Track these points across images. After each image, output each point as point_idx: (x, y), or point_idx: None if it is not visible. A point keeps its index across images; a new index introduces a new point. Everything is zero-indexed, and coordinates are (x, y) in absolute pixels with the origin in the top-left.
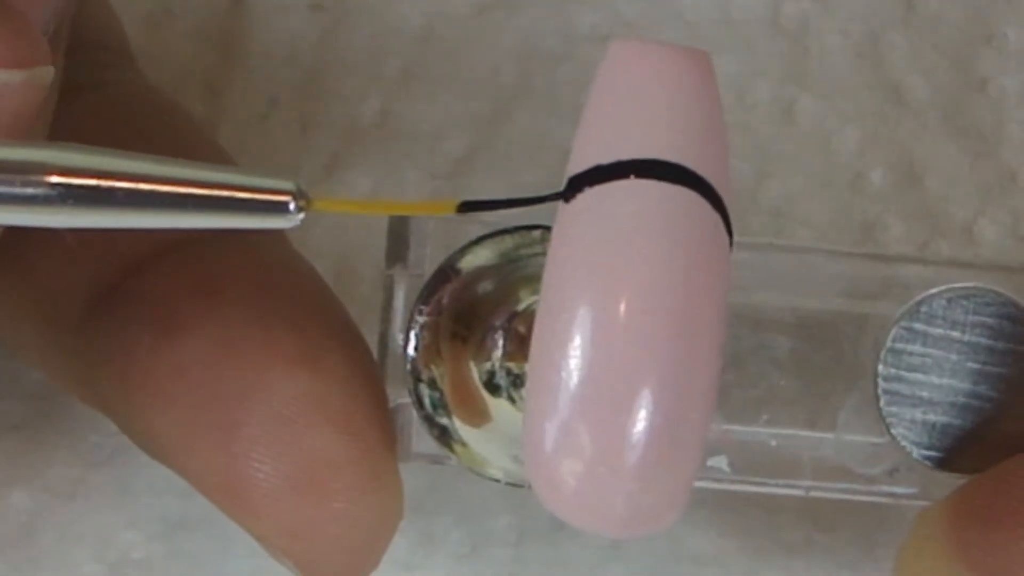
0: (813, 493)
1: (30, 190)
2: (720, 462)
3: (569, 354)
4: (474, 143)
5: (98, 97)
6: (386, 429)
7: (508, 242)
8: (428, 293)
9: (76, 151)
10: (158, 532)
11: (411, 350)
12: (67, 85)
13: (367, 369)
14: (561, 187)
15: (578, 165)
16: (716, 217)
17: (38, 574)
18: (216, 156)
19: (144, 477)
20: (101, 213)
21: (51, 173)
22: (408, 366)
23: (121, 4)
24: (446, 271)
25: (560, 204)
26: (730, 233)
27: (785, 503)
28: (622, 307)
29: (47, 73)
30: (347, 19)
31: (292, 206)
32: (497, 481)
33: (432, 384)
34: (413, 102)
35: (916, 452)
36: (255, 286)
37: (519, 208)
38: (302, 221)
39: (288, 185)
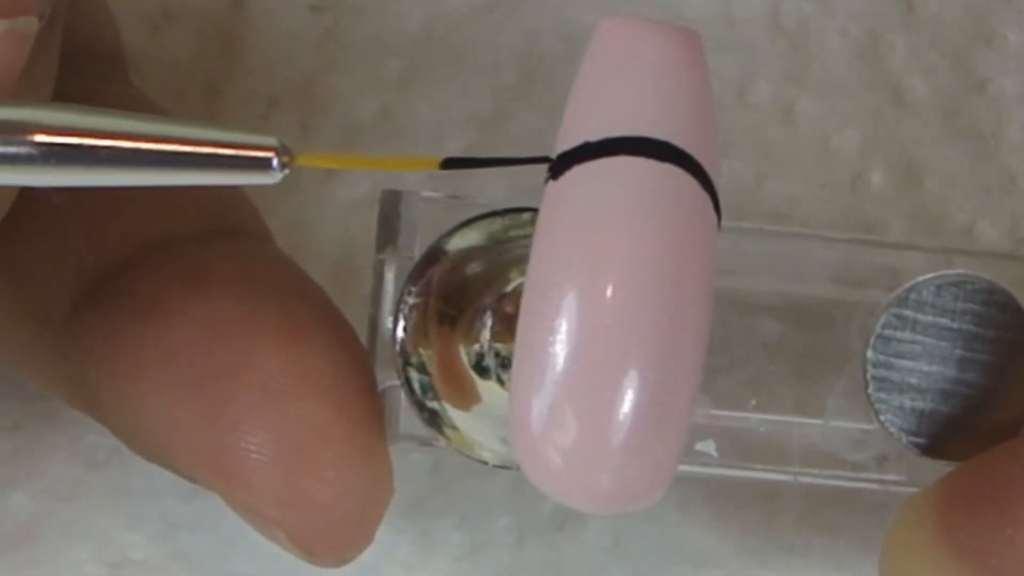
0: (801, 479)
1: (13, 149)
2: (708, 447)
3: (556, 331)
4: (474, 143)
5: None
6: (374, 403)
7: (498, 224)
8: (417, 274)
9: (60, 109)
10: (158, 532)
11: (400, 331)
12: (59, 93)
13: (353, 346)
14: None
15: (566, 142)
16: (704, 195)
17: (38, 574)
18: None
19: (144, 478)
20: (85, 171)
21: (35, 132)
22: (397, 348)
23: (121, 5)
24: (435, 253)
25: (548, 181)
26: (718, 212)
27: (785, 504)
28: (609, 285)
29: (30, 24)
30: (347, 19)
31: (275, 162)
32: (485, 463)
33: (421, 368)
34: (413, 102)
35: (904, 439)
36: (239, 275)
37: (503, 167)
38: (285, 177)
39: (271, 141)
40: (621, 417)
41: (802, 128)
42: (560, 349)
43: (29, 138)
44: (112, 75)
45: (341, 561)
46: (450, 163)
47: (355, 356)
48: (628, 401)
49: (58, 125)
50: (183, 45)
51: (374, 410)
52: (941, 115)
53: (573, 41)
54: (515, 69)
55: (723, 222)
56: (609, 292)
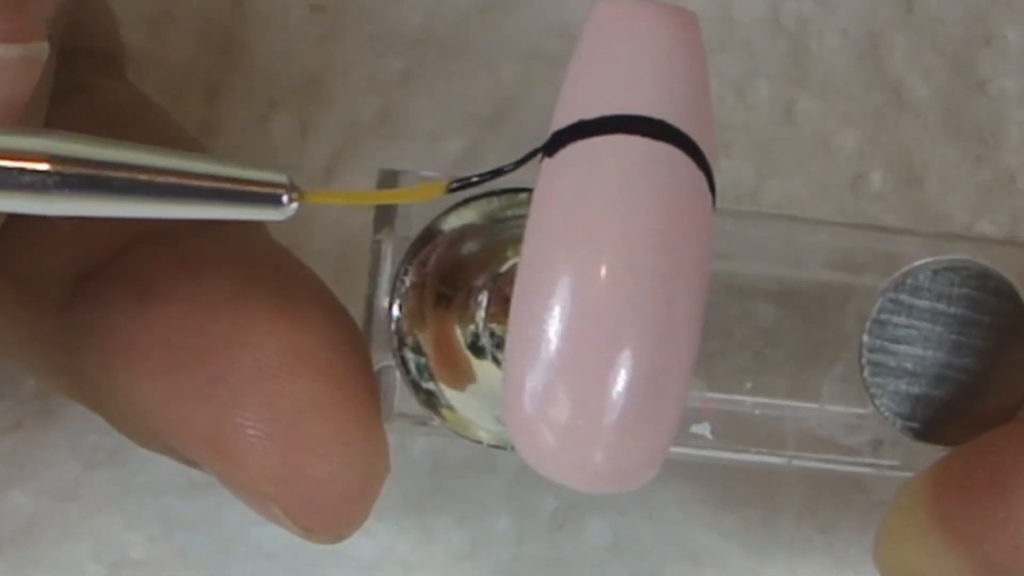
0: (795, 463)
1: (27, 178)
2: (703, 430)
3: (550, 310)
4: (474, 143)
5: (85, 100)
6: (369, 381)
7: (494, 204)
8: (413, 255)
9: (73, 140)
10: (158, 532)
11: (396, 312)
12: (56, 88)
13: (348, 326)
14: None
15: (562, 120)
16: (699, 174)
17: (38, 574)
18: None
19: (144, 477)
20: (96, 202)
21: (47, 161)
22: (393, 328)
23: (122, 6)
24: (432, 233)
25: (543, 159)
26: (713, 191)
27: (785, 504)
28: (603, 264)
29: (43, 49)
30: (347, 20)
31: (285, 198)
32: (480, 443)
33: (417, 349)
34: (413, 102)
35: (899, 423)
36: (233, 259)
37: (508, 175)
38: (295, 212)
39: (281, 178)
40: (615, 396)
41: (802, 128)
42: (554, 327)
43: (42, 167)
44: (110, 72)
45: (338, 538)
46: (458, 185)
47: (350, 335)
48: (622, 380)
49: (71, 156)
50: (183, 45)
51: (370, 388)
52: (941, 115)
53: (573, 41)
54: (515, 69)
55: (721, 207)
56: (603, 271)
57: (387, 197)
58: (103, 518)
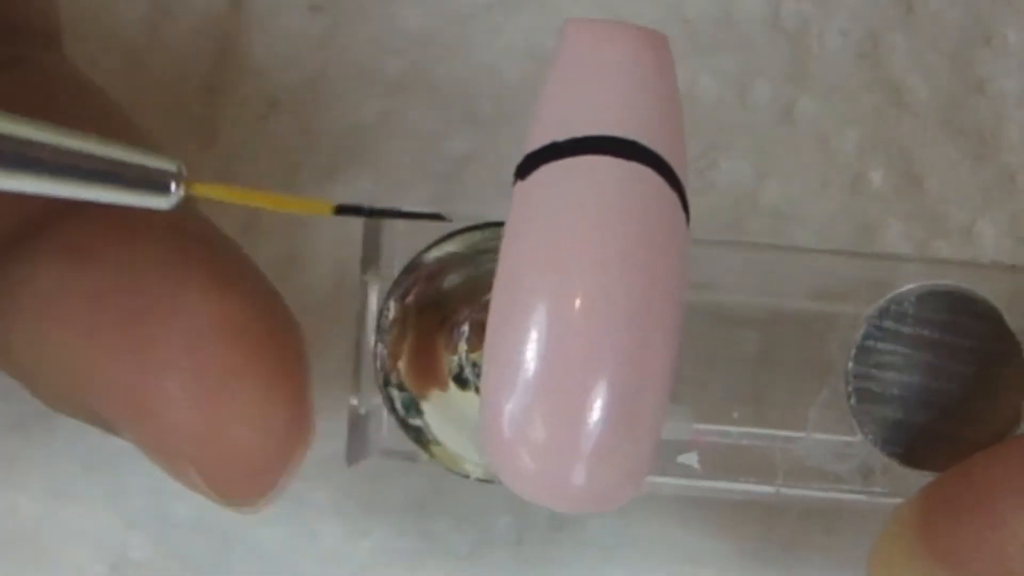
0: (784, 491)
1: None
2: (690, 459)
3: (525, 334)
4: (474, 143)
5: (18, 74)
6: (297, 353)
7: (476, 237)
8: (396, 289)
9: None
10: (158, 532)
11: (380, 348)
12: None
13: (276, 300)
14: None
15: (534, 142)
16: (672, 194)
17: (39, 574)
18: (134, 139)
19: (144, 478)
20: None
21: None
22: (378, 364)
23: (121, 5)
24: (415, 266)
25: (516, 182)
26: (687, 210)
27: (785, 505)
28: (577, 287)
29: None
30: (347, 20)
31: (172, 186)
32: (468, 477)
33: (401, 386)
34: (413, 102)
35: (886, 449)
36: (167, 227)
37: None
38: (179, 202)
39: (170, 166)
40: (591, 418)
41: (802, 128)
42: (530, 352)
43: None
44: (46, 45)
45: (253, 506)
46: (343, 210)
47: (278, 308)
48: (598, 403)
49: None
50: (183, 46)
51: (297, 360)
52: (941, 115)
53: None
54: (515, 69)
55: (714, 236)
56: (577, 294)
57: (272, 201)
58: (103, 518)
